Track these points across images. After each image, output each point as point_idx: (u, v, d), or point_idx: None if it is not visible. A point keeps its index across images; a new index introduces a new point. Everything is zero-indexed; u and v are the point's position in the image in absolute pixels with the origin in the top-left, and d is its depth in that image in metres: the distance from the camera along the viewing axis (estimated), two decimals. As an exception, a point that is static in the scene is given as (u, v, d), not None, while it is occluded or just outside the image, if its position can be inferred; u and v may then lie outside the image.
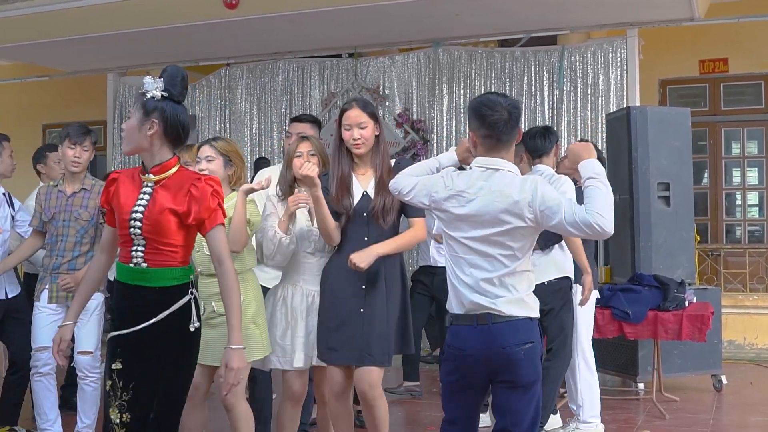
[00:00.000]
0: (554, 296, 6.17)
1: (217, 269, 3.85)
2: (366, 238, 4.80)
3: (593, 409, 6.45)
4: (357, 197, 4.87)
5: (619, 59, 10.02)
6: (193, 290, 3.87)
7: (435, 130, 10.70)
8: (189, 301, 3.82)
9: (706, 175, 12.11)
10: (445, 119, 10.72)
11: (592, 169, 3.75)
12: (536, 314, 3.86)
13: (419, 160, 9.19)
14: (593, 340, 7.62)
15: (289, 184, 5.04)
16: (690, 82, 12.16)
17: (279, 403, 5.28)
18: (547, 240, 6.05)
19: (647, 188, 8.13)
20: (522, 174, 3.90)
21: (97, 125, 12.48)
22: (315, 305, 4.99)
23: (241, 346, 3.79)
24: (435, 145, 10.60)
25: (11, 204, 6.59)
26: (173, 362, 3.79)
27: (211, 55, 11.51)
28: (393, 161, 4.98)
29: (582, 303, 6.33)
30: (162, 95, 3.78)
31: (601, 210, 3.61)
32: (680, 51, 11.49)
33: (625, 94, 9.94)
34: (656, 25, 9.88)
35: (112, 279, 5.05)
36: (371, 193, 4.86)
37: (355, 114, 4.85)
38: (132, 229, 3.78)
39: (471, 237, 3.80)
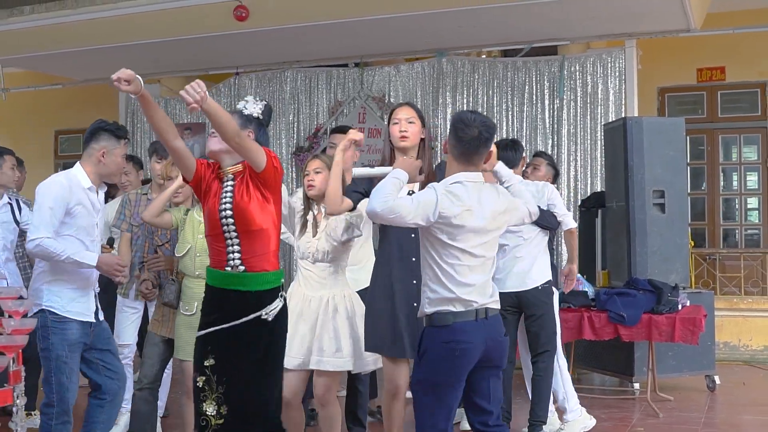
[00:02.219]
0: (547, 299, 6.49)
1: None
2: (413, 234, 4.96)
3: (573, 397, 6.84)
4: (404, 194, 5.04)
5: (617, 69, 10.27)
6: (284, 293, 4.27)
7: (439, 138, 10.96)
8: (279, 306, 4.21)
9: (704, 181, 12.36)
10: (448, 127, 10.95)
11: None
12: None
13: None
14: (590, 342, 7.96)
15: (306, 198, 5.39)
16: (688, 90, 12.37)
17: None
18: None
19: (643, 195, 8.41)
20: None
21: (109, 132, 12.71)
22: (311, 309, 5.23)
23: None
24: (439, 152, 10.85)
25: (18, 210, 6.85)
26: (261, 361, 4.12)
27: (221, 64, 11.78)
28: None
29: (566, 289, 6.83)
30: (259, 116, 4.27)
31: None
32: (678, 60, 11.73)
33: (623, 102, 10.19)
34: (653, 36, 10.15)
35: None
36: (417, 191, 4.99)
37: (405, 110, 5.17)
38: (225, 226, 4.13)
39: (477, 245, 4.17)
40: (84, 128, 5.66)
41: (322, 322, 5.19)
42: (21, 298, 3.87)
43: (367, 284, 5.47)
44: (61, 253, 4.78)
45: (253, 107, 4.33)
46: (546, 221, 6.36)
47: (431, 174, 5.06)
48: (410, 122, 5.10)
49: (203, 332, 4.15)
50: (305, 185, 5.37)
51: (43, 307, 4.87)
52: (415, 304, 4.84)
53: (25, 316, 3.60)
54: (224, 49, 10.79)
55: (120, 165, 5.24)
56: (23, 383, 3.52)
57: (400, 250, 5.08)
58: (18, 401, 3.46)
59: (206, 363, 4.10)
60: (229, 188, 4.17)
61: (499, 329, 4.28)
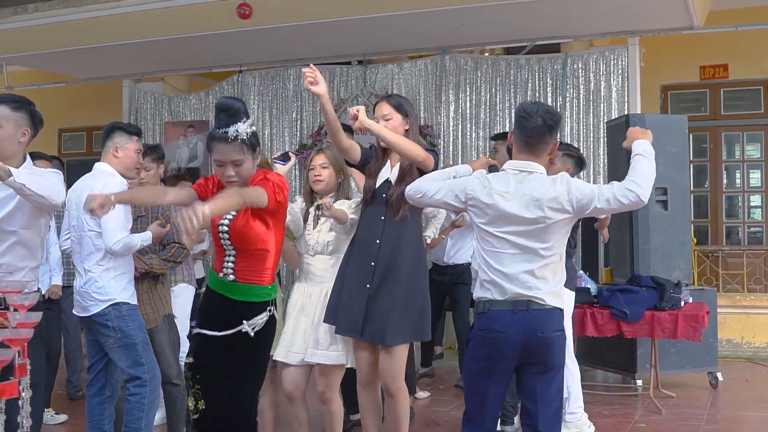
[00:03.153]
0: None
1: None
2: (383, 218, 5.08)
3: (578, 400, 6.66)
4: (381, 181, 5.17)
5: (620, 67, 10.30)
6: (272, 309, 4.25)
7: (442, 135, 10.99)
8: (265, 320, 4.21)
9: (707, 178, 12.38)
10: (451, 124, 11.01)
11: (643, 148, 4.17)
12: (563, 306, 4.25)
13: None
14: (593, 339, 7.96)
15: (309, 192, 5.47)
16: (691, 88, 12.41)
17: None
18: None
19: (645, 192, 8.40)
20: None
21: (113, 130, 12.76)
22: (311, 303, 5.30)
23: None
24: (442, 149, 10.87)
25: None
26: (239, 372, 4.15)
27: (224, 62, 11.82)
28: None
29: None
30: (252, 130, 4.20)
31: (638, 179, 4.04)
32: (681, 58, 11.76)
33: (626, 100, 10.23)
34: (656, 34, 10.17)
35: None
36: (393, 181, 5.12)
37: (381, 106, 5.24)
38: (223, 241, 4.17)
39: (511, 232, 4.10)
40: (87, 126, 5.85)
41: (321, 316, 5.22)
42: (26, 291, 3.88)
43: None
44: (136, 244, 5.32)
45: (245, 129, 4.14)
46: None
47: (413, 169, 5.07)
48: (386, 119, 5.15)
49: (193, 330, 4.29)
50: (311, 179, 5.42)
51: (117, 300, 5.29)
52: (367, 285, 5.03)
53: (30, 309, 3.61)
54: (227, 47, 10.82)
55: (134, 159, 5.51)
56: (28, 376, 3.54)
57: (366, 232, 5.14)
58: (24, 394, 3.48)
59: (188, 360, 4.24)
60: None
61: (545, 325, 4.12)
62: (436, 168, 5.08)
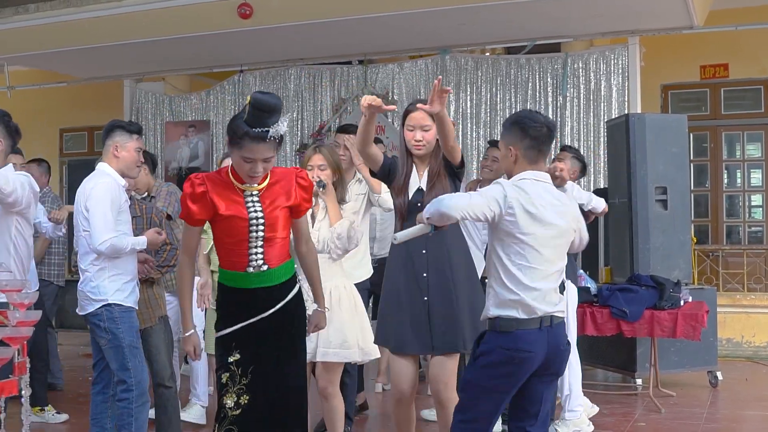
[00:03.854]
0: None
1: (305, 247, 4.44)
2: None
3: (579, 398, 6.71)
4: (413, 190, 5.00)
5: (620, 66, 10.33)
6: (300, 277, 4.32)
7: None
8: (300, 289, 4.30)
9: (708, 178, 12.39)
10: (459, 124, 11.04)
11: None
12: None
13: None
14: (593, 338, 7.97)
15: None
16: (691, 87, 12.41)
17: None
18: None
19: (645, 192, 8.43)
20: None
21: (114, 130, 12.79)
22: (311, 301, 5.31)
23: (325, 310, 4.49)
24: (442, 149, 10.86)
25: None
26: (291, 346, 4.22)
27: (225, 62, 11.84)
28: None
29: None
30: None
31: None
32: (682, 57, 11.76)
33: (626, 99, 10.26)
34: (656, 34, 10.19)
35: None
36: (425, 187, 4.95)
37: (420, 116, 4.89)
38: (253, 233, 4.12)
39: (549, 244, 4.06)
40: (89, 126, 5.84)
41: (328, 315, 5.15)
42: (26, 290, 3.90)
43: (362, 279, 5.53)
44: (125, 246, 5.22)
45: (282, 127, 4.06)
46: None
47: (441, 174, 4.95)
48: (425, 130, 4.90)
49: (227, 331, 4.17)
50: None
51: (110, 301, 5.25)
52: (425, 298, 4.84)
53: (29, 308, 3.63)
54: (228, 47, 10.84)
55: (134, 158, 5.47)
56: (28, 375, 3.56)
57: (409, 245, 4.87)
58: (24, 392, 3.50)
59: (231, 359, 4.13)
60: (256, 198, 4.16)
61: (562, 337, 4.17)
62: (463, 159, 4.99)
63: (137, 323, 5.43)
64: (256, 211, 4.11)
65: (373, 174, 5.28)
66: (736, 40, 11.28)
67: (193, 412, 7.03)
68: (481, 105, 10.90)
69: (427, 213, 4.09)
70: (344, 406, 5.53)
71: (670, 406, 7.62)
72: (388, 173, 5.06)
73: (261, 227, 4.11)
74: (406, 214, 4.96)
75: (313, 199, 5.35)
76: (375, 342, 5.22)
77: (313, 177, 5.32)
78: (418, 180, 5.00)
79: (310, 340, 5.21)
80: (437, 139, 4.92)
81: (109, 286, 5.26)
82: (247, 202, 4.13)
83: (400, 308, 4.94)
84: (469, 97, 10.97)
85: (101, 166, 5.41)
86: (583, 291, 7.87)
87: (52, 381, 8.09)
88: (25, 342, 3.54)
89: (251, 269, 4.15)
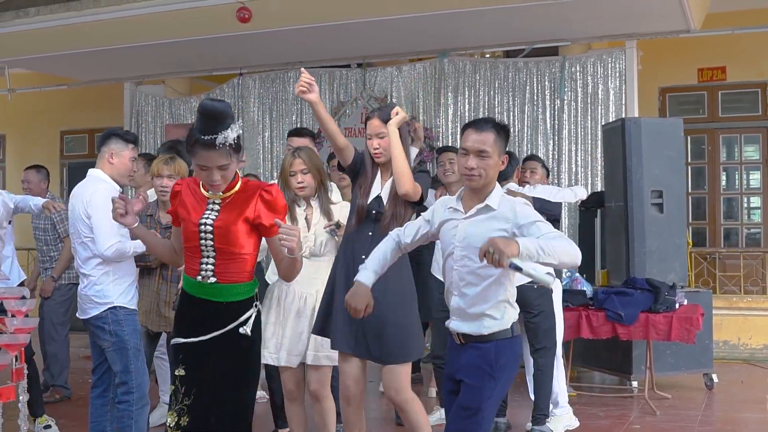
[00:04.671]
0: (543, 298, 6.62)
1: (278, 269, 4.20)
2: (370, 233, 4.94)
3: (565, 396, 7.04)
4: (372, 197, 5.03)
5: (618, 70, 10.35)
6: (258, 303, 4.13)
7: (441, 138, 11.04)
8: (255, 317, 4.08)
9: (706, 180, 12.43)
10: (450, 127, 11.07)
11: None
12: None
13: (426, 167, 9.61)
14: (590, 340, 8.03)
15: (292, 200, 5.36)
16: (689, 90, 12.45)
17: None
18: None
19: (641, 196, 8.48)
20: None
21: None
22: (307, 306, 5.30)
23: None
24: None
25: None
26: (238, 372, 4.01)
27: (225, 65, 11.89)
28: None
29: None
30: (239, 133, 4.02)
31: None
32: (679, 60, 11.81)
33: (624, 103, 10.28)
34: (653, 37, 10.22)
35: None
36: (384, 197, 4.99)
37: (376, 124, 4.99)
38: (203, 241, 4.00)
39: None
40: (89, 129, 5.88)
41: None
42: (23, 297, 3.95)
43: None
44: (129, 250, 5.33)
45: (233, 134, 3.96)
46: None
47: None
48: (381, 137, 4.99)
49: (177, 341, 4.07)
50: (293, 186, 5.35)
51: (115, 304, 5.34)
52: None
53: (27, 315, 3.68)
54: (228, 50, 10.89)
55: (128, 167, 5.57)
56: (26, 380, 3.61)
57: (353, 248, 5.00)
58: (21, 398, 3.56)
59: (177, 372, 4.03)
60: (217, 207, 4.06)
61: None
62: (422, 198, 5.00)
63: (139, 326, 5.52)
64: (207, 219, 4.00)
65: (341, 169, 5.29)
66: (733, 44, 11.33)
67: (161, 413, 6.95)
68: (479, 108, 10.93)
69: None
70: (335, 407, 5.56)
71: (665, 408, 7.68)
72: (356, 168, 5.10)
73: (210, 235, 3.97)
74: (363, 217, 5.01)
75: (312, 203, 5.40)
76: (313, 332, 5.19)
77: (298, 182, 5.33)
78: (379, 187, 5.04)
79: (302, 344, 5.28)
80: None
81: (114, 290, 5.34)
82: (207, 210, 4.04)
83: (332, 308, 4.99)
84: (467, 101, 11.00)
85: (94, 172, 5.49)
86: (578, 294, 7.96)
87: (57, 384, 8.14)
88: (23, 349, 3.59)
89: (200, 278, 4.03)
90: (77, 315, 5.53)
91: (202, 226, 3.99)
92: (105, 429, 5.57)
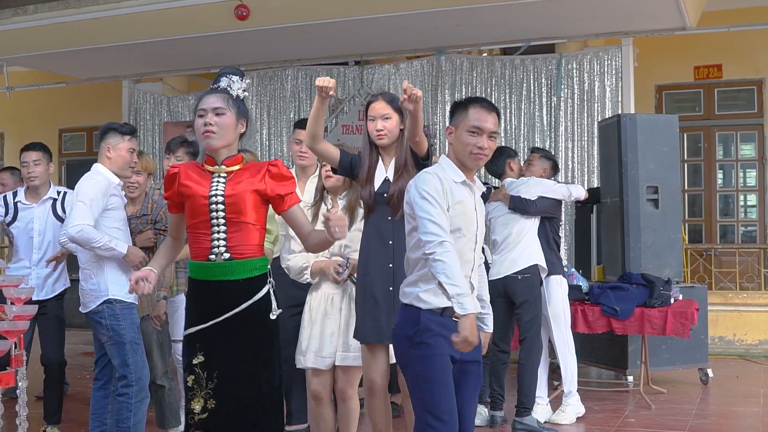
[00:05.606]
0: (528, 288, 6.70)
1: (308, 234, 4.11)
2: (390, 218, 4.87)
3: (575, 383, 7.19)
4: (380, 182, 4.97)
5: (614, 67, 10.39)
6: (271, 279, 4.08)
7: (438, 135, 11.09)
8: (269, 291, 4.04)
9: (702, 177, 12.49)
10: (447, 124, 11.07)
11: None
12: None
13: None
14: (587, 335, 8.08)
15: (320, 196, 5.36)
16: (685, 88, 12.53)
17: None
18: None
19: (637, 191, 8.53)
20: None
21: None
22: (334, 307, 5.20)
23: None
24: (438, 150, 10.96)
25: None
26: (260, 352, 3.98)
27: (223, 63, 11.85)
28: None
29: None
30: (243, 95, 4.06)
31: None
32: (675, 58, 11.87)
33: (620, 100, 10.32)
34: (650, 35, 10.27)
35: None
36: (392, 178, 4.92)
37: (380, 106, 4.95)
38: (213, 213, 3.95)
39: None
40: (88, 126, 5.88)
41: (346, 319, 5.16)
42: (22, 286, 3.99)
43: None
44: (99, 239, 5.20)
45: (238, 87, 4.04)
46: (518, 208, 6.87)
47: (408, 165, 4.91)
48: (386, 119, 4.94)
49: (192, 330, 4.01)
50: (322, 175, 5.32)
51: (110, 298, 5.33)
52: (390, 288, 4.78)
53: (27, 303, 3.73)
54: (226, 48, 10.92)
55: (126, 159, 5.54)
56: (25, 367, 3.66)
57: (378, 234, 4.93)
58: (20, 384, 3.60)
59: (195, 361, 3.96)
60: (223, 178, 4.05)
61: None
62: (428, 151, 4.94)
63: (138, 319, 5.51)
64: (217, 190, 3.98)
65: (333, 170, 5.18)
66: (729, 41, 11.38)
67: None
68: (476, 105, 10.95)
69: None
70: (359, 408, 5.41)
71: (660, 402, 7.72)
72: (351, 168, 5.01)
73: (221, 206, 3.94)
74: (374, 205, 4.95)
75: (339, 202, 5.32)
76: (355, 336, 5.06)
77: (326, 172, 5.25)
78: (384, 171, 4.99)
79: (331, 344, 5.17)
80: (401, 130, 4.95)
81: (109, 282, 5.34)
82: (213, 183, 4.01)
83: (365, 299, 4.91)
84: (464, 98, 11.01)
85: (95, 167, 5.51)
86: (574, 289, 8.00)
87: None
88: (22, 335, 3.64)
89: (213, 257, 3.95)
90: (80, 309, 5.52)
91: (213, 197, 3.96)
92: (105, 421, 5.61)
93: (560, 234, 7.87)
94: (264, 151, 12.06)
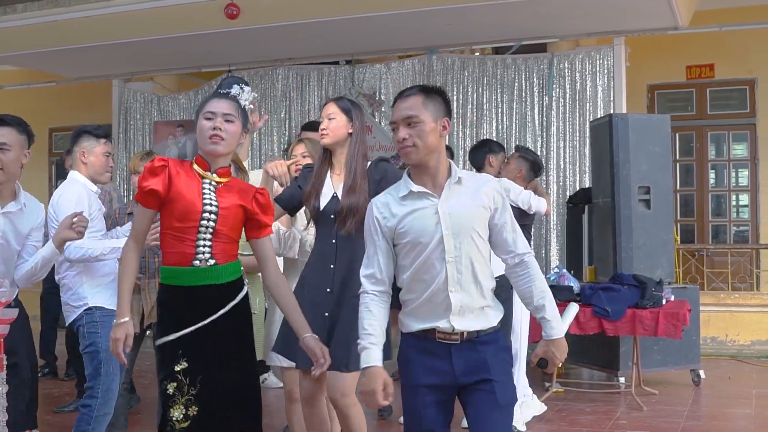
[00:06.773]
0: (503, 289, 6.66)
1: (274, 275, 4.13)
2: (333, 240, 4.68)
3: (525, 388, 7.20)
4: (327, 199, 4.74)
5: (606, 66, 10.36)
6: (246, 280, 4.16)
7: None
8: (247, 291, 4.11)
9: (694, 177, 12.46)
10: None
11: None
12: None
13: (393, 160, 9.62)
14: (578, 337, 8.04)
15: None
16: (677, 87, 12.48)
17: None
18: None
19: (628, 192, 8.49)
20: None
21: (103, 129, 12.84)
22: None
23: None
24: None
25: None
26: (241, 349, 4.02)
27: (213, 62, 11.86)
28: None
29: None
30: (249, 108, 4.06)
31: None
32: (668, 57, 11.83)
33: (612, 100, 10.29)
34: (641, 34, 10.23)
35: None
36: (340, 195, 4.69)
37: (327, 106, 4.85)
38: (204, 222, 3.90)
39: None
40: (78, 125, 5.72)
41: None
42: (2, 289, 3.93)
43: None
44: (98, 250, 5.10)
45: (246, 98, 4.14)
46: None
47: (361, 173, 4.69)
48: (330, 119, 4.74)
49: (171, 337, 3.92)
50: (293, 171, 5.16)
51: (90, 305, 5.19)
52: (326, 314, 4.61)
53: (8, 306, 3.67)
54: (216, 47, 10.87)
55: (103, 163, 5.41)
56: (5, 371, 3.61)
57: (318, 258, 4.77)
58: (0, 389, 3.54)
59: (178, 368, 3.87)
60: (213, 187, 4.00)
61: None
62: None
63: None
64: (211, 199, 3.95)
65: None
66: (721, 41, 11.35)
67: None
68: (468, 105, 10.93)
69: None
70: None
71: (652, 404, 7.69)
72: (292, 197, 4.88)
73: (213, 215, 3.91)
74: (318, 221, 4.80)
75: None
76: (273, 349, 4.91)
77: (297, 168, 5.16)
78: (332, 187, 4.78)
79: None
80: (349, 133, 4.75)
81: (89, 290, 5.21)
82: (204, 189, 3.96)
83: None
84: (455, 97, 10.99)
85: (72, 174, 5.37)
86: (565, 290, 7.98)
87: None
88: (1, 339, 3.59)
89: (197, 263, 3.90)
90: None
91: (207, 206, 3.92)
92: None
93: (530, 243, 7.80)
94: (254, 150, 12.00)
